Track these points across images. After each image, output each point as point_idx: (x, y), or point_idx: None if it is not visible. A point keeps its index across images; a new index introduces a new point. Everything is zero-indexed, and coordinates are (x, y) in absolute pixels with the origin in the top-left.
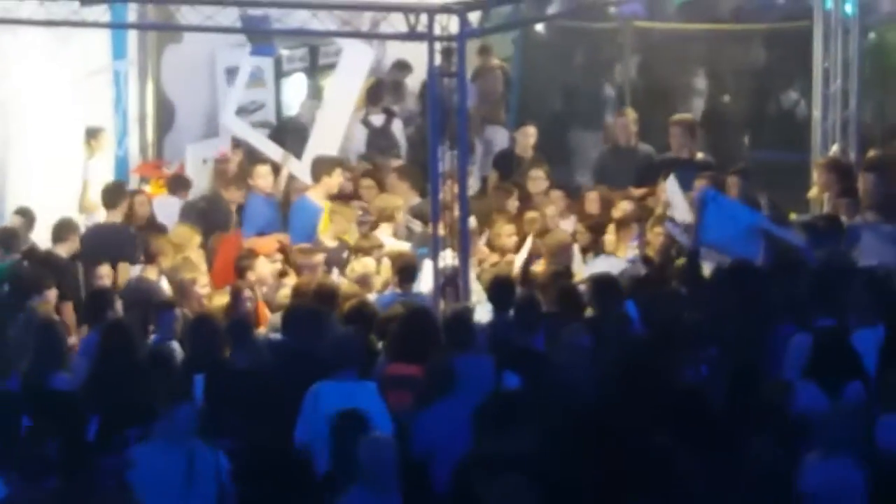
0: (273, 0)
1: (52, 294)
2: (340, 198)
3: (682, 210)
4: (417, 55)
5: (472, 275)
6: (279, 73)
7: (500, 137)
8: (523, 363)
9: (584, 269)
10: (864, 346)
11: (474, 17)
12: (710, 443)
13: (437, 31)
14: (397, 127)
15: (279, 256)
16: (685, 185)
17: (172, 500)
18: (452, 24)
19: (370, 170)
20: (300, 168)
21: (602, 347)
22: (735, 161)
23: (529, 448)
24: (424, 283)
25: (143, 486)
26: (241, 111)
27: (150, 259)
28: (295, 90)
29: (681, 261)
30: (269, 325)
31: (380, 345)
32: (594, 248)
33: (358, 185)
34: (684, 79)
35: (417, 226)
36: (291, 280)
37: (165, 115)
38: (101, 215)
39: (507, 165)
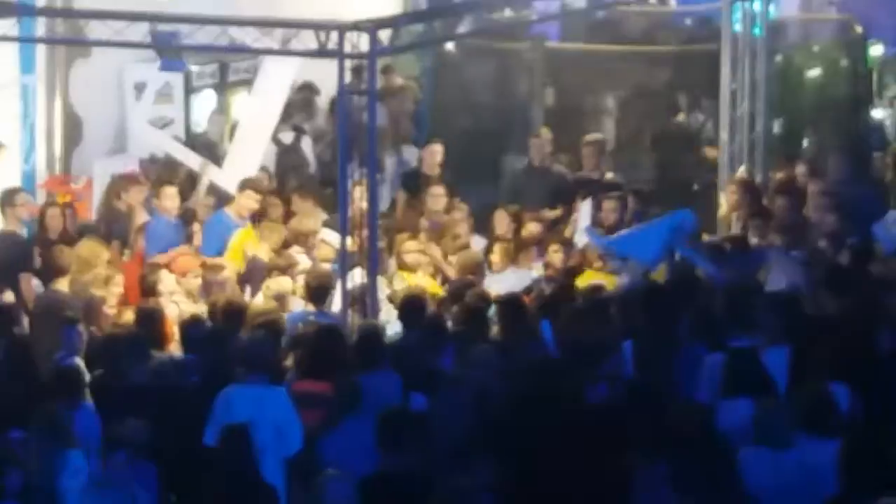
0: (183, 16)
1: None
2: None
3: (581, 232)
4: (327, 73)
5: (383, 293)
6: (188, 89)
7: (413, 157)
8: (430, 383)
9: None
10: (775, 365)
11: (384, 35)
12: (616, 461)
13: (347, 48)
14: (307, 144)
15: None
16: (594, 205)
17: None
18: (363, 42)
19: (276, 189)
20: (221, 176)
21: (510, 367)
22: (641, 181)
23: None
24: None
25: None
26: (154, 125)
27: (60, 272)
28: (204, 106)
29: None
30: None
31: (288, 361)
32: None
33: (265, 203)
34: (595, 99)
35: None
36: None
37: (73, 130)
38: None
39: (415, 184)
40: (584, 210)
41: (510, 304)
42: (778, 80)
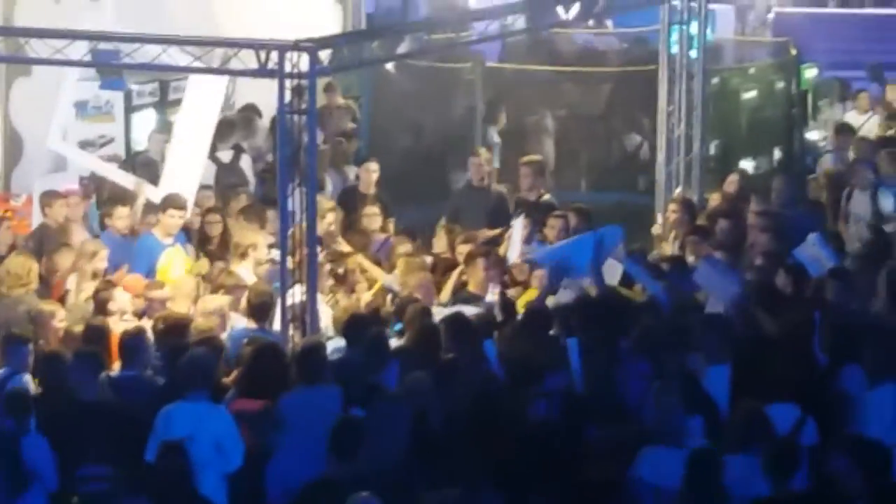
0: (123, 35)
1: None
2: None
3: (515, 251)
4: (267, 92)
5: (324, 310)
6: (129, 108)
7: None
8: (370, 398)
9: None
10: (716, 383)
11: (324, 55)
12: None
13: (287, 68)
14: (246, 163)
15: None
16: (535, 225)
17: None
18: (303, 62)
19: (214, 206)
20: (157, 194)
21: (453, 386)
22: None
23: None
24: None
25: None
26: (89, 145)
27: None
28: (144, 125)
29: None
30: None
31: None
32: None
33: (204, 219)
34: (533, 119)
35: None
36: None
37: (14, 148)
38: None
39: (351, 202)
40: (516, 228)
41: (455, 323)
42: (714, 102)
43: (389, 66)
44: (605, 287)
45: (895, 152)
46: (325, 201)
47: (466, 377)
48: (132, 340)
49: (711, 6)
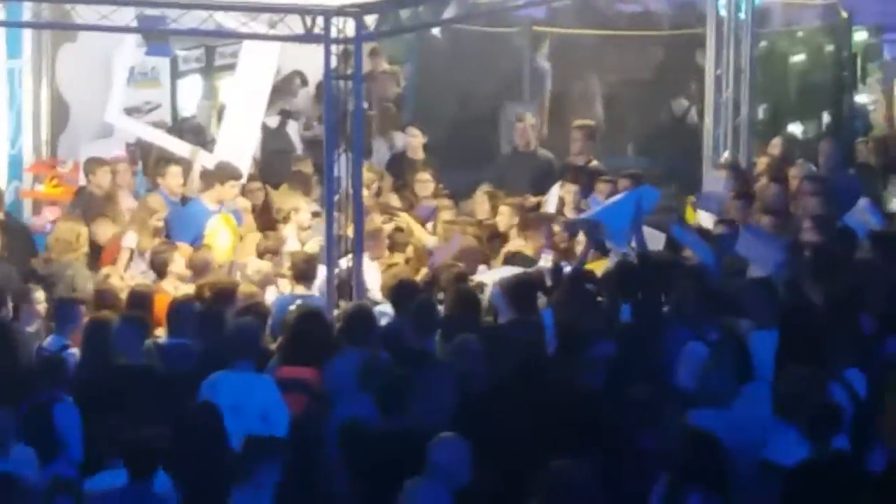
0: (169, 0)
1: None
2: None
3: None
4: (313, 57)
5: (375, 276)
6: (175, 74)
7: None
8: (419, 364)
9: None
10: (762, 348)
11: (370, 20)
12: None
13: (333, 33)
14: (292, 129)
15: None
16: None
17: None
18: (349, 27)
19: (254, 174)
20: (212, 160)
21: (497, 351)
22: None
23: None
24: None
25: None
26: (136, 111)
27: None
28: (191, 90)
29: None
30: None
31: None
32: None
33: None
34: (581, 84)
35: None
36: None
37: (60, 115)
38: None
39: (400, 168)
40: (552, 194)
41: (514, 287)
42: (762, 65)
43: (435, 31)
44: (651, 250)
45: None
46: (368, 170)
47: (512, 343)
48: (181, 307)
49: None
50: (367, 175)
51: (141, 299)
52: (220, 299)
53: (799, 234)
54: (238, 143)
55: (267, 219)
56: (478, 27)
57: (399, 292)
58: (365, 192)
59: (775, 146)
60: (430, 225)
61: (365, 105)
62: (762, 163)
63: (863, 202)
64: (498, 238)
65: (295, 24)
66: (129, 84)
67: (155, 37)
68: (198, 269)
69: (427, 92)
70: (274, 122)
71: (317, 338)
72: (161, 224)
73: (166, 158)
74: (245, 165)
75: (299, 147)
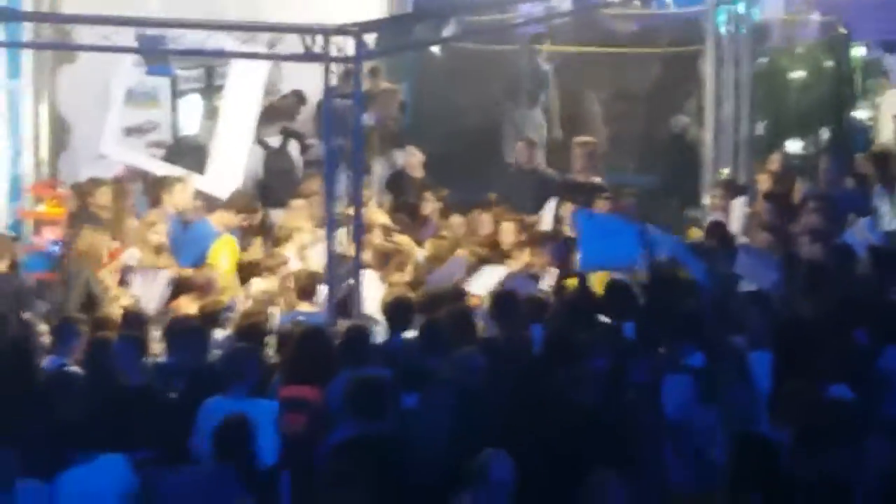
0: (169, 20)
1: None
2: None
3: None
4: (313, 77)
5: (374, 294)
6: (175, 93)
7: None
8: (421, 383)
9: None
10: (759, 368)
11: (370, 39)
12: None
13: (333, 52)
14: (294, 147)
15: None
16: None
17: None
18: (348, 46)
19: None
20: (205, 182)
21: (500, 368)
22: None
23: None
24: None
25: None
26: (136, 131)
27: None
28: (190, 110)
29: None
30: None
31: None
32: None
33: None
34: (580, 101)
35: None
36: None
37: (60, 135)
38: None
39: (398, 186)
40: (547, 210)
41: (500, 299)
42: (762, 82)
43: (435, 49)
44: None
45: None
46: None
47: (506, 357)
48: (180, 328)
49: None
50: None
51: (135, 319)
52: (207, 319)
53: (795, 249)
54: (229, 163)
55: (264, 238)
56: (477, 45)
57: (394, 311)
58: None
59: (773, 162)
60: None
61: (371, 121)
62: (763, 180)
63: (863, 221)
64: (500, 255)
65: (295, 44)
66: (129, 103)
67: (155, 57)
68: (201, 288)
69: (427, 109)
70: (276, 141)
71: (319, 356)
72: (162, 238)
73: (170, 178)
74: (236, 185)
75: (300, 166)
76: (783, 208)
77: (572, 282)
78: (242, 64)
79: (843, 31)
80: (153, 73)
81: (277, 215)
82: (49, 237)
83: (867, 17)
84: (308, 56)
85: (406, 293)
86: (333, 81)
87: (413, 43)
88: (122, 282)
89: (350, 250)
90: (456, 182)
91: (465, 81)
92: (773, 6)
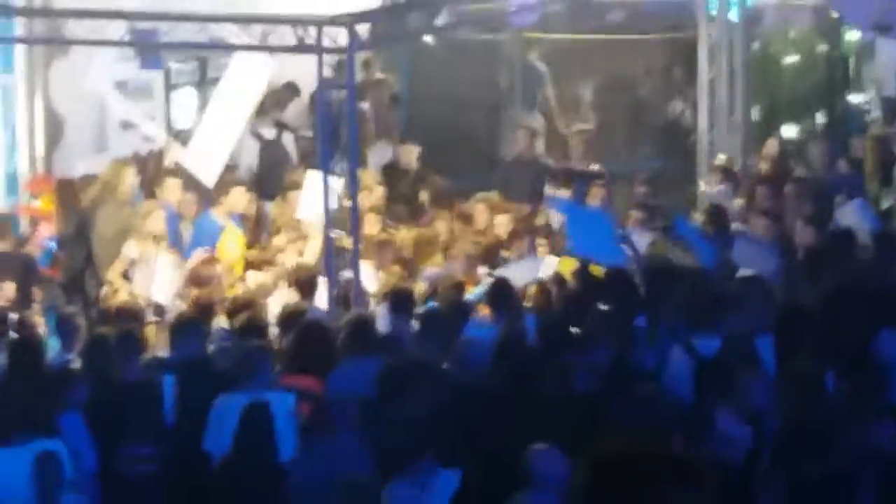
0: (161, 13)
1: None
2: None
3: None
4: (307, 68)
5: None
6: (168, 87)
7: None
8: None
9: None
10: (765, 352)
11: (362, 29)
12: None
13: (325, 43)
14: (288, 139)
15: None
16: (579, 195)
17: None
18: (341, 38)
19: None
20: (186, 156)
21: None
22: (623, 170)
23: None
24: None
25: None
26: (130, 125)
27: None
28: (184, 103)
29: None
30: None
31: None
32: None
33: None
34: (574, 89)
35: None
36: None
37: (54, 130)
38: None
39: (393, 178)
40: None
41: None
42: (755, 67)
43: (428, 39)
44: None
45: None
46: (370, 175)
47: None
48: (186, 322)
49: None
50: (366, 181)
51: (129, 313)
52: (202, 312)
53: (792, 235)
54: (214, 148)
55: (260, 230)
56: (470, 34)
57: (396, 300)
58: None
59: (771, 146)
60: None
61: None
62: (761, 165)
63: (853, 203)
64: (498, 245)
65: (287, 35)
66: (123, 96)
67: (148, 50)
68: (199, 283)
69: (421, 100)
70: (271, 133)
71: (318, 348)
72: (160, 227)
73: (164, 171)
74: (218, 167)
75: (294, 157)
76: (780, 193)
77: (567, 265)
78: (244, 56)
79: (835, 15)
80: (146, 67)
81: (271, 207)
82: (45, 233)
83: (858, 1)
84: (301, 48)
85: (404, 283)
86: (327, 73)
87: (406, 33)
88: (126, 276)
89: (347, 242)
90: (452, 172)
91: (459, 71)
92: None
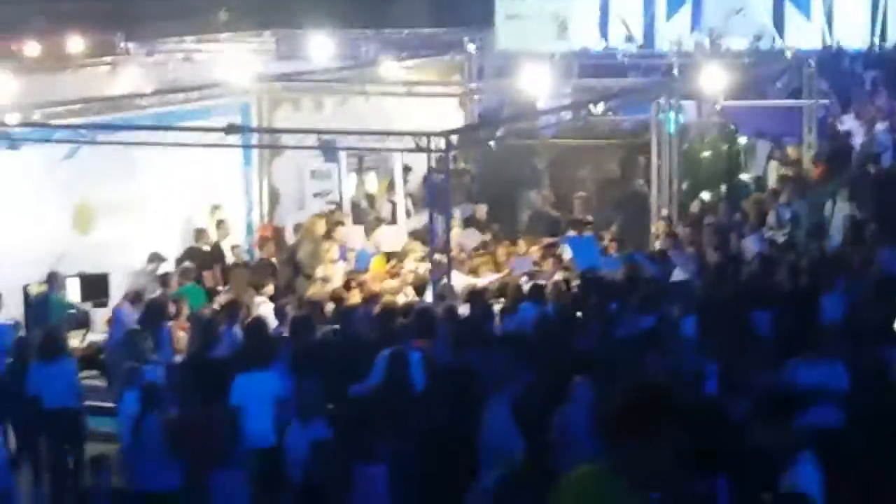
0: (337, 130)
1: None
2: None
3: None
4: (421, 161)
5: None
6: (340, 172)
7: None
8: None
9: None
10: (688, 327)
11: (454, 138)
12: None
13: (432, 146)
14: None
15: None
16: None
17: None
18: (441, 143)
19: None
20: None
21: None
22: (604, 220)
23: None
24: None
25: None
26: (318, 195)
27: None
28: (350, 182)
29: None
30: None
31: None
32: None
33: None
34: (573, 172)
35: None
36: None
37: (274, 198)
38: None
39: (470, 225)
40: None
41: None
42: (684, 158)
43: (491, 143)
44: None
45: (790, 184)
46: (456, 221)
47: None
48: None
49: (682, 102)
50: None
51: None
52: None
53: (706, 256)
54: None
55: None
56: (516, 140)
57: (472, 296)
58: None
59: (694, 205)
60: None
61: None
62: (691, 216)
63: (754, 235)
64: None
65: (409, 141)
66: (314, 178)
67: (329, 149)
68: (362, 284)
69: (487, 179)
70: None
71: (429, 322)
72: (335, 256)
73: (337, 222)
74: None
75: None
76: (699, 232)
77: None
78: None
79: (732, 127)
80: (328, 160)
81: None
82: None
83: (747, 119)
84: (418, 149)
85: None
86: (433, 164)
87: (478, 141)
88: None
89: (444, 260)
90: (503, 221)
91: (508, 162)
92: (692, 113)
